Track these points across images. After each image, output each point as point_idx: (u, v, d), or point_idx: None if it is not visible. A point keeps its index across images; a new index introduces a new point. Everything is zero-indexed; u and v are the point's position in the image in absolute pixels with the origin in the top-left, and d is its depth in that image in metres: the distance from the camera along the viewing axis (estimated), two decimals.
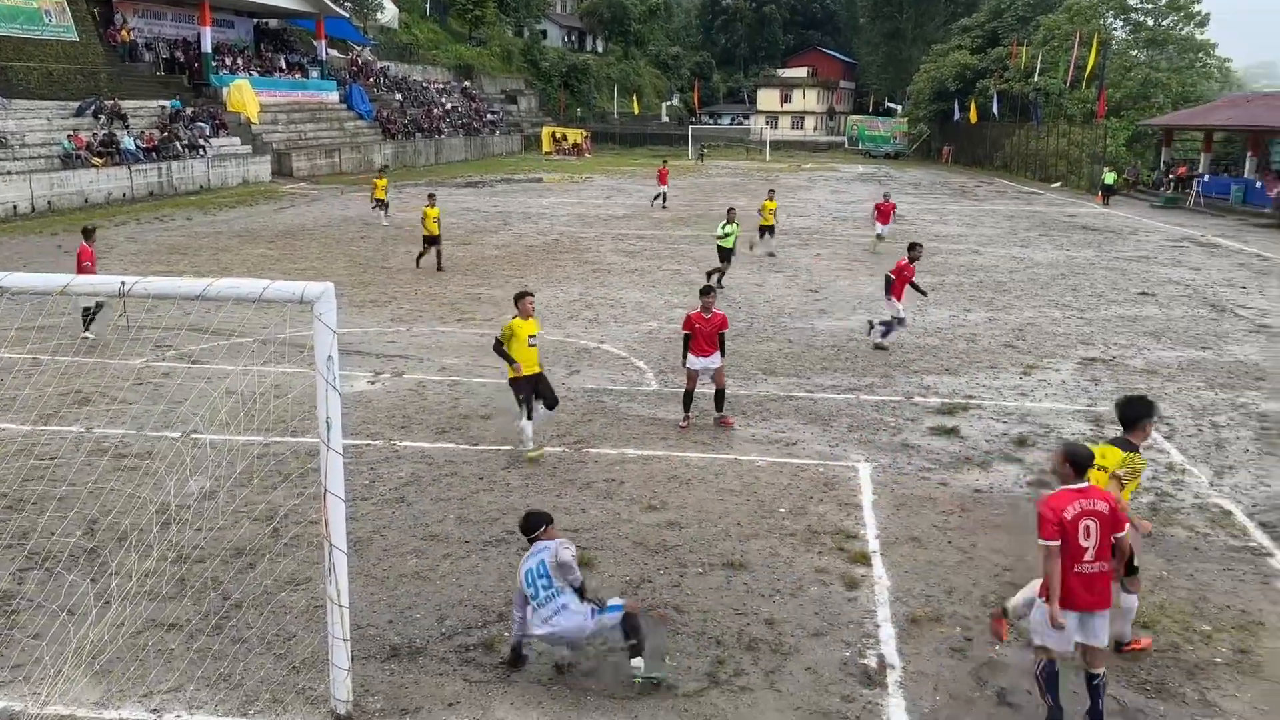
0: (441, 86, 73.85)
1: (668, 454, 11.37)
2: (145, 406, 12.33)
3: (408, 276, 22.64)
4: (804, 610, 7.88)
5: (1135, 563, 7.20)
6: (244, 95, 45.87)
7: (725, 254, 22.31)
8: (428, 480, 10.44)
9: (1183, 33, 62.31)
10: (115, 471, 10.19)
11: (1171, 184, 45.65)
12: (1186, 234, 33.44)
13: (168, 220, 32.00)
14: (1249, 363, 16.11)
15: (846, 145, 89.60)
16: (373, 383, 14.01)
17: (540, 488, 10.27)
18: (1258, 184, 41.15)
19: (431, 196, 24.70)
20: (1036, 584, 6.98)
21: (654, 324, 18.15)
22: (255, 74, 51.51)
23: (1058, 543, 6.00)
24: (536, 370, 11.08)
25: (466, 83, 78.30)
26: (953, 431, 12.33)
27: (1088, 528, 6.04)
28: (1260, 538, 9.46)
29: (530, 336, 10.94)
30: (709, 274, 21.90)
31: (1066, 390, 14.42)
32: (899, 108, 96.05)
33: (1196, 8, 61.34)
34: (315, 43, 59.05)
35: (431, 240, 23.39)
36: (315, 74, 57.50)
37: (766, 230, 26.44)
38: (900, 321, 16.46)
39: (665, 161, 43.42)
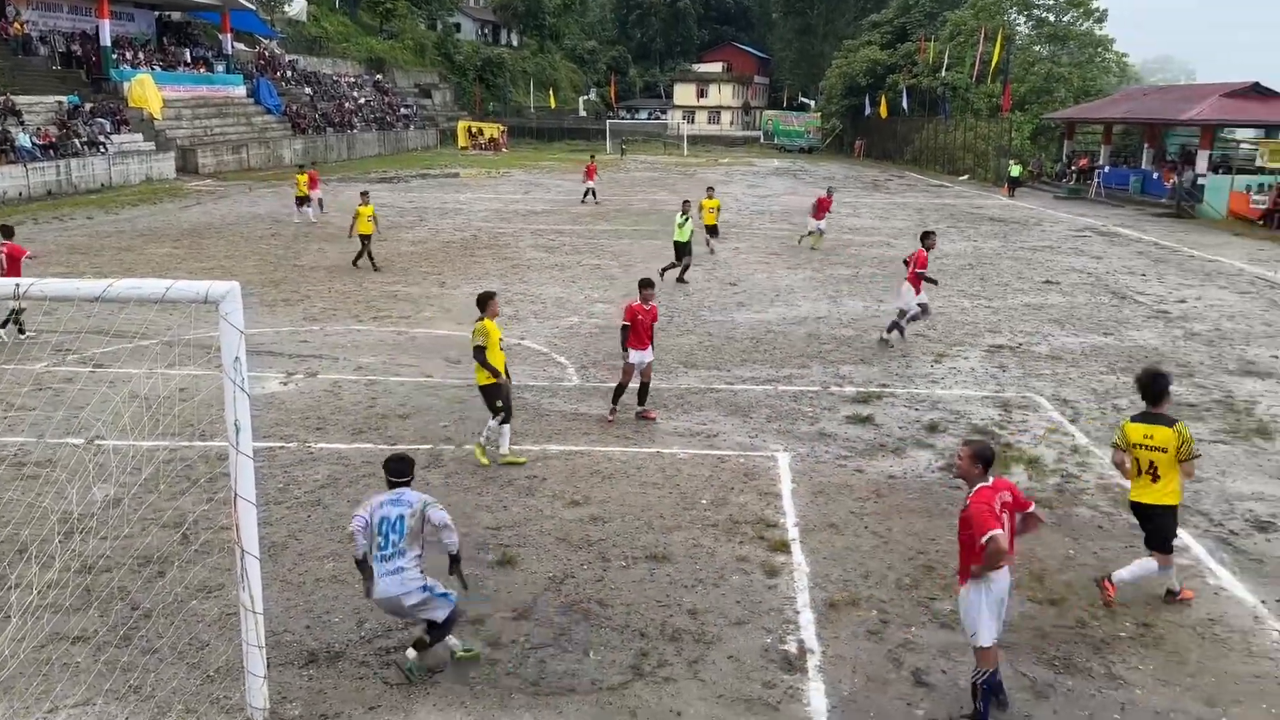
0: (353, 80, 72.46)
1: (590, 449, 11.37)
2: (45, 413, 11.86)
3: (321, 275, 22.19)
4: (726, 599, 7.96)
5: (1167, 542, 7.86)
6: (146, 90, 44.38)
7: (681, 248, 21.96)
8: (345, 482, 10.26)
9: (1082, 28, 64.29)
10: (14, 481, 9.79)
11: (1074, 176, 47.12)
12: (1088, 224, 34.60)
13: (67, 220, 30.82)
14: (1148, 347, 16.74)
15: (762, 140, 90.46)
16: (285, 384, 13.71)
17: (461, 485, 10.17)
18: (1154, 175, 42.67)
19: (364, 194, 24.26)
20: (1145, 562, 7.81)
21: (574, 319, 18.11)
22: (158, 68, 49.91)
23: (1004, 529, 6.10)
24: (506, 376, 10.91)
25: (378, 76, 77.00)
26: (868, 419, 12.58)
27: (1005, 517, 6.22)
28: None
29: (499, 340, 10.77)
30: (664, 270, 21.46)
31: (975, 377, 14.81)
32: (812, 103, 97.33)
33: (1095, 4, 63.25)
34: (220, 36, 57.49)
35: (365, 238, 23.02)
36: (221, 68, 55.94)
37: (709, 230, 26.40)
38: (924, 309, 16.49)
39: (593, 156, 43.26)
